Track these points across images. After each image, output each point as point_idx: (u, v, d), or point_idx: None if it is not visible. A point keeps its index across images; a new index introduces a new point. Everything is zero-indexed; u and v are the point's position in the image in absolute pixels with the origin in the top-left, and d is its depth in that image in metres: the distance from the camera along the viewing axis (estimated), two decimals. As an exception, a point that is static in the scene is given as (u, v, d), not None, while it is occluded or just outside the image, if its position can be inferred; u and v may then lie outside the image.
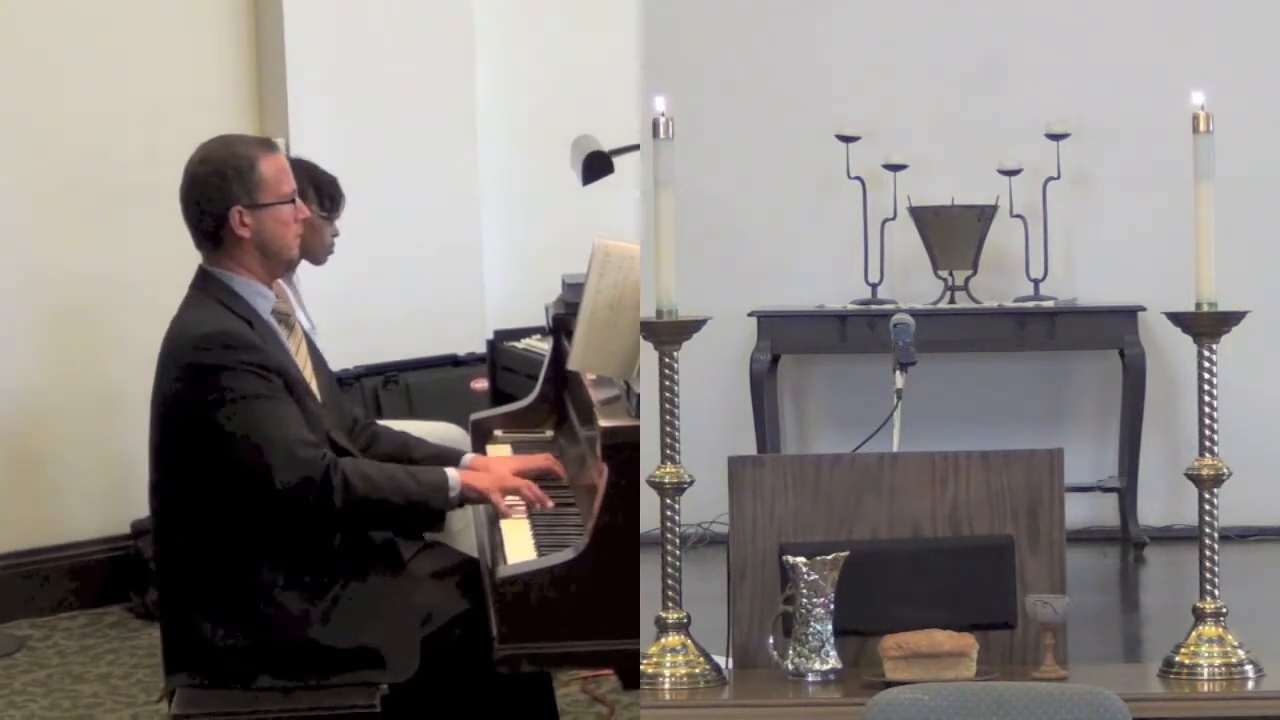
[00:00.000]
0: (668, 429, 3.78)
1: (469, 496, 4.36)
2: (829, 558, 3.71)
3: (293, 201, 4.33)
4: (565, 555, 4.08)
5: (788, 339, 6.92)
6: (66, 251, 6.61)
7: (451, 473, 4.34)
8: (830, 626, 3.73)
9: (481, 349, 6.78)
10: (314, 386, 4.38)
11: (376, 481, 4.24)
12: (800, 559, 3.71)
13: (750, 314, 6.88)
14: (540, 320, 5.50)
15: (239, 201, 4.26)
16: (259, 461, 4.12)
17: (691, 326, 3.80)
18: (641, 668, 3.78)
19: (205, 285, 4.32)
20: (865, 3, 7.15)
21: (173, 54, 6.73)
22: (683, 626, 3.77)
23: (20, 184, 6.54)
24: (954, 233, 6.92)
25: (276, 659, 4.19)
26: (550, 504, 4.42)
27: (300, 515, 4.19)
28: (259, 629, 4.20)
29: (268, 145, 4.37)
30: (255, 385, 4.16)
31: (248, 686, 4.19)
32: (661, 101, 3.82)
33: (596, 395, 4.46)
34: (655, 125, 3.79)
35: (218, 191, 4.26)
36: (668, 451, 3.78)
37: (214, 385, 4.15)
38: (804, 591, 3.71)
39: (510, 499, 4.40)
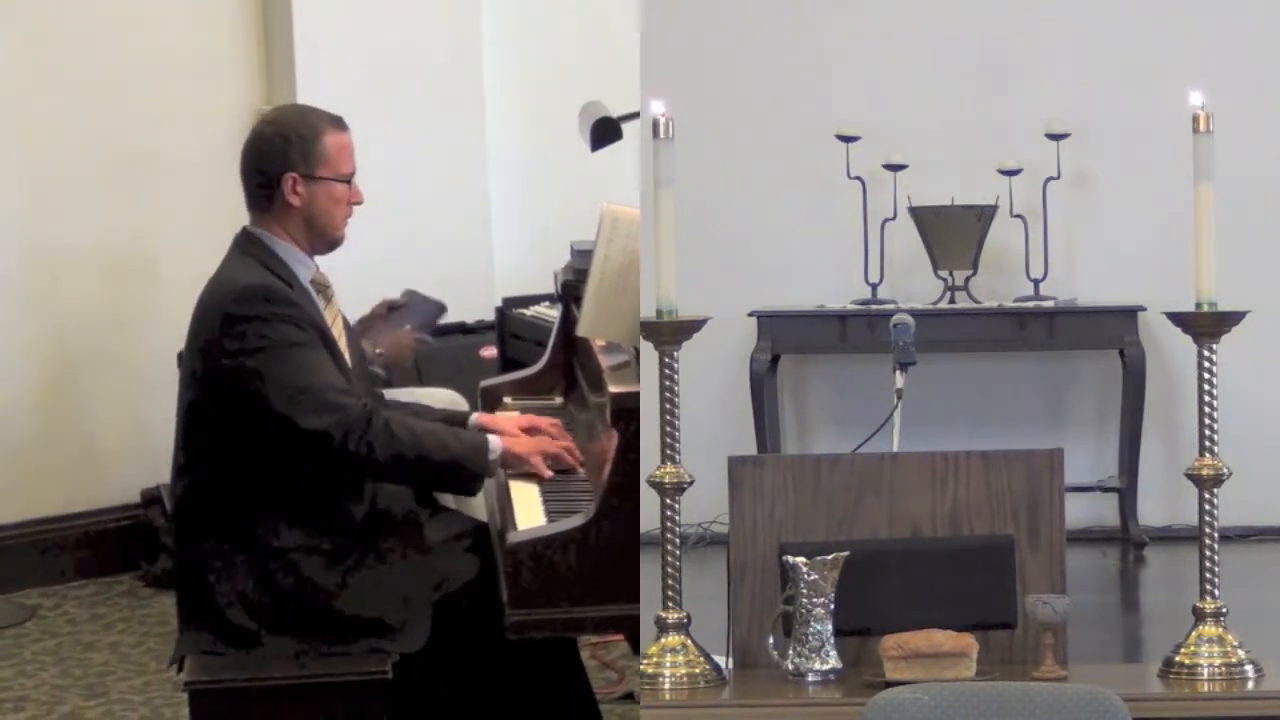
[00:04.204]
0: (668, 429, 3.77)
1: (509, 461, 4.37)
2: (829, 558, 3.71)
3: (349, 182, 4.34)
4: (575, 521, 4.09)
5: (788, 339, 6.92)
6: (68, 219, 6.60)
7: (493, 437, 4.35)
8: (830, 626, 3.72)
9: (490, 316, 6.78)
10: (347, 358, 4.38)
11: (418, 434, 4.24)
12: (800, 559, 3.71)
13: (750, 314, 6.88)
14: (549, 287, 5.50)
15: (296, 169, 4.29)
16: (292, 405, 4.12)
17: (691, 326, 3.79)
18: (641, 667, 3.78)
19: (247, 246, 4.34)
20: (865, 3, 7.15)
21: (178, 18, 6.72)
22: (683, 626, 3.76)
23: (20, 150, 6.52)
24: (954, 233, 6.92)
25: (290, 624, 4.20)
26: (582, 469, 4.43)
27: (335, 462, 4.18)
28: (275, 594, 4.21)
29: (338, 123, 4.39)
30: (291, 333, 4.17)
31: (259, 648, 4.19)
32: (660, 103, 3.81)
33: (606, 361, 4.47)
34: (655, 125, 3.78)
35: (277, 154, 4.29)
36: (668, 451, 3.77)
37: (248, 334, 4.16)
38: (804, 591, 3.71)
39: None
